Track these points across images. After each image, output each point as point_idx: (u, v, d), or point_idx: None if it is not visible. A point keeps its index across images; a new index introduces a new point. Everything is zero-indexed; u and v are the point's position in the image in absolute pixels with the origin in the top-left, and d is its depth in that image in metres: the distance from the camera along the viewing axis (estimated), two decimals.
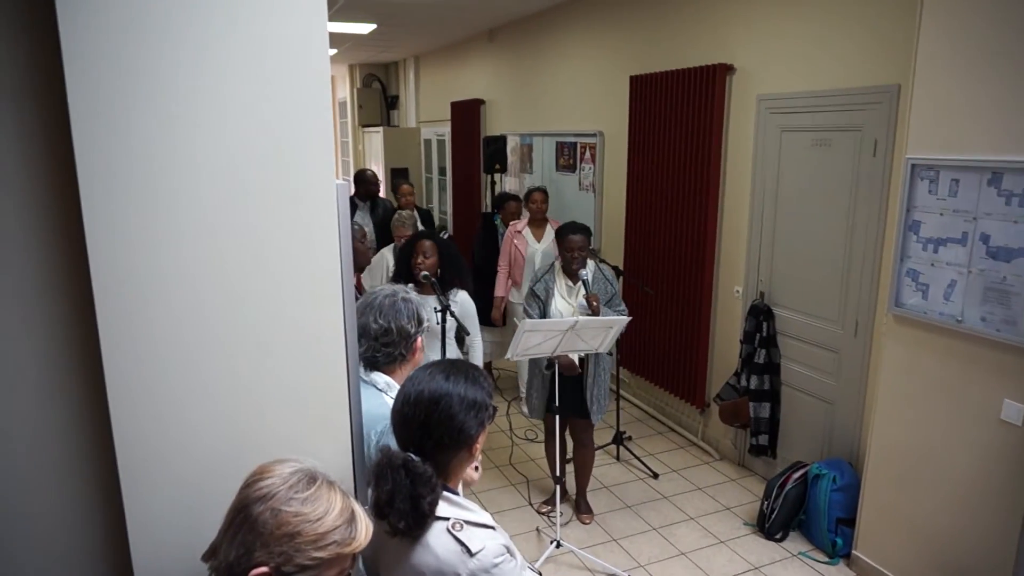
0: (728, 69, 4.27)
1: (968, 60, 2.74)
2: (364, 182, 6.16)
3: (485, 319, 5.61)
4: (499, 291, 5.27)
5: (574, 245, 3.60)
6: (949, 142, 2.84)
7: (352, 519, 1.16)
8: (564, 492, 4.01)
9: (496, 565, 1.34)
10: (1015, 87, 2.59)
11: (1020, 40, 2.57)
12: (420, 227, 5.93)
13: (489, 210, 5.89)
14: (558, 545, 3.56)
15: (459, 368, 1.48)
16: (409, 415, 1.42)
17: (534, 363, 3.76)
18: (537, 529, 3.85)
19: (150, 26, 1.20)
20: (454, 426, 1.40)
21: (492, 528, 1.42)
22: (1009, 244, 2.66)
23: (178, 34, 1.22)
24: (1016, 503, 2.71)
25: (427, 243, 3.57)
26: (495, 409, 1.53)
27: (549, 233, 5.08)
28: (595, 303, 3.51)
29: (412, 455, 1.39)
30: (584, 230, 3.68)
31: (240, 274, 1.32)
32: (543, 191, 5.26)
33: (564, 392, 3.62)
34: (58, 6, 1.13)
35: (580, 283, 3.63)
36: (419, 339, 2.04)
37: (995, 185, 2.69)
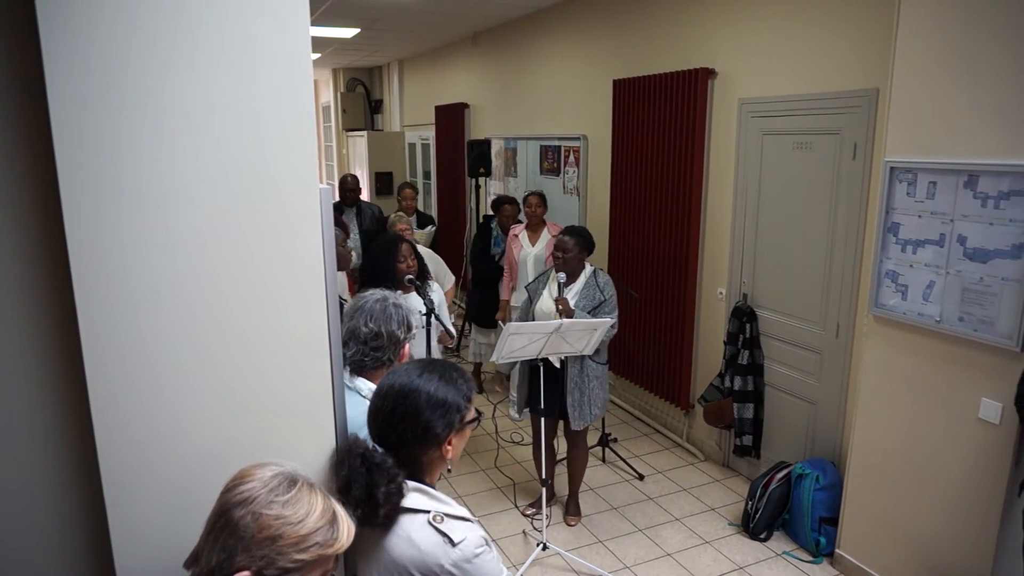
0: (710, 73, 4.30)
1: (944, 65, 2.78)
2: (346, 188, 6.23)
3: (479, 320, 5.64)
4: (503, 295, 5.29)
5: (560, 245, 3.69)
6: (926, 145, 2.89)
7: (334, 520, 1.16)
8: (552, 494, 4.02)
9: (477, 555, 1.37)
10: (990, 91, 2.64)
11: (995, 45, 2.62)
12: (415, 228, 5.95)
13: (489, 213, 5.93)
14: (544, 547, 3.56)
15: (436, 367, 1.49)
16: (377, 407, 1.46)
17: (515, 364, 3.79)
18: (523, 532, 3.86)
19: (132, 30, 1.19)
20: (418, 423, 1.42)
21: (470, 521, 1.44)
22: (985, 245, 2.71)
23: (160, 37, 1.21)
24: (995, 500, 2.75)
25: (405, 246, 3.60)
26: (479, 414, 1.53)
27: (544, 236, 5.10)
28: (560, 306, 3.55)
29: (375, 446, 1.43)
30: (576, 233, 3.74)
31: (223, 278, 1.32)
32: (539, 195, 5.23)
33: (550, 393, 3.64)
34: (38, 8, 1.13)
35: (576, 284, 3.71)
36: (407, 345, 2.05)
37: (971, 187, 2.73)
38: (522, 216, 5.42)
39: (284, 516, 1.11)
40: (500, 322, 5.31)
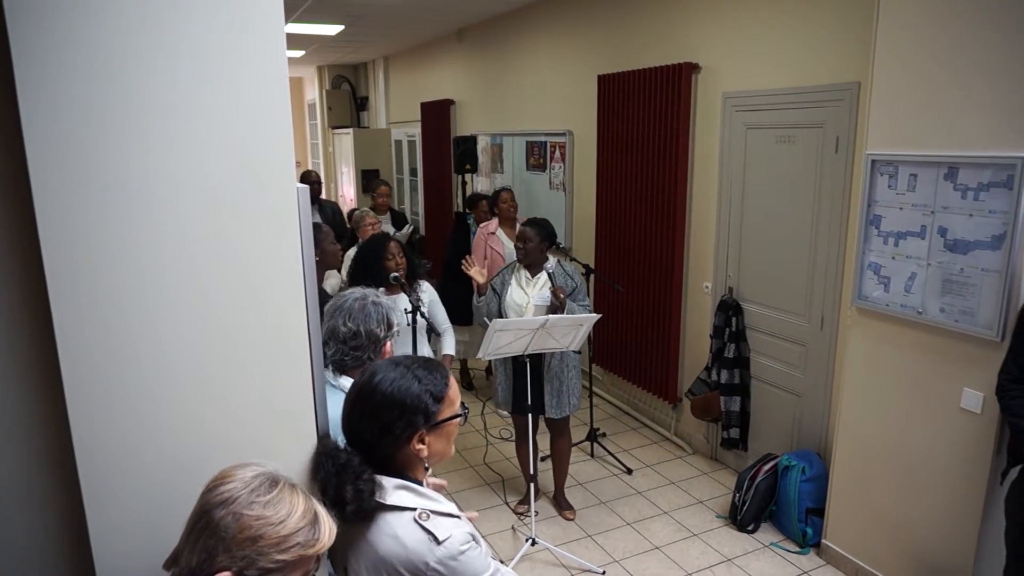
0: (694, 68, 4.31)
1: (924, 58, 2.80)
2: (309, 181, 6.29)
3: (455, 317, 5.62)
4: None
5: (521, 235, 3.73)
6: (907, 138, 2.91)
7: (315, 521, 1.16)
8: (536, 490, 4.02)
9: (463, 552, 1.36)
10: (969, 84, 2.66)
11: (973, 38, 2.63)
12: (391, 227, 5.97)
13: (462, 210, 5.93)
14: (533, 543, 3.57)
15: (403, 366, 1.46)
16: (343, 406, 1.46)
17: (499, 360, 3.77)
18: (512, 527, 3.87)
19: (107, 30, 1.18)
20: (375, 424, 1.41)
21: (457, 517, 1.44)
22: (965, 237, 2.73)
23: (135, 37, 1.21)
24: (977, 489, 2.78)
25: (394, 244, 3.59)
26: (464, 410, 1.51)
27: None
28: (561, 295, 3.57)
29: (343, 445, 1.43)
30: (537, 224, 3.77)
31: (200, 276, 1.31)
32: (511, 191, 5.33)
33: (534, 389, 3.64)
34: (7, 10, 1.12)
35: (543, 275, 3.71)
36: (388, 343, 2.04)
37: (951, 179, 2.76)
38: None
39: (265, 516, 1.11)
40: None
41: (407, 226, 6.28)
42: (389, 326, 2.02)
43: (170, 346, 1.30)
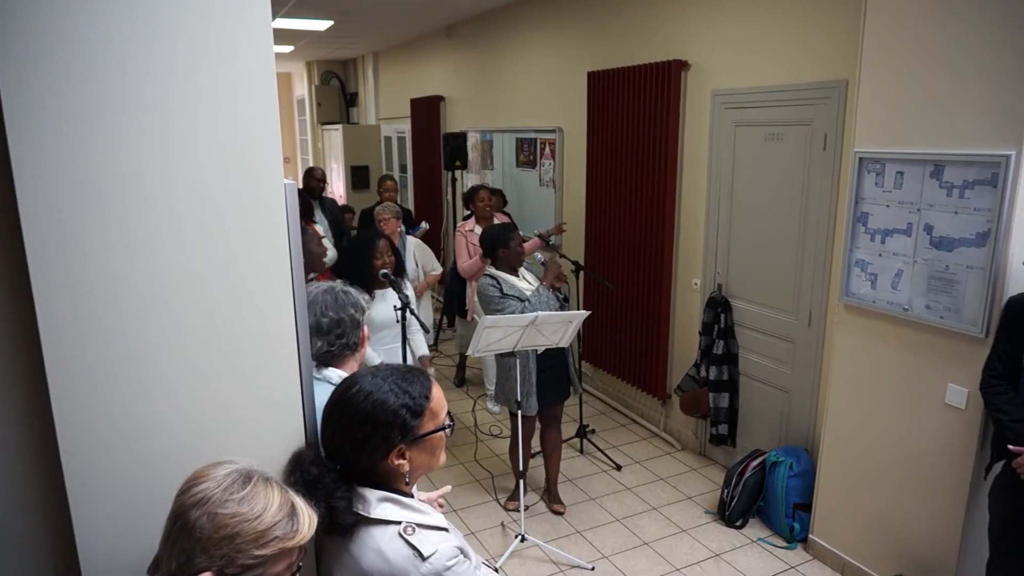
0: (683, 65, 4.32)
1: (910, 57, 2.82)
2: (315, 179, 6.35)
3: (460, 310, 5.62)
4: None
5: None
6: (894, 136, 2.92)
7: (293, 512, 1.15)
8: (526, 486, 4.03)
9: (448, 568, 1.32)
10: (954, 82, 2.68)
11: (960, 38, 2.65)
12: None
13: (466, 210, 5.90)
14: (523, 539, 3.58)
15: (383, 377, 1.41)
16: (322, 417, 1.42)
17: (501, 360, 3.77)
18: (502, 524, 3.87)
19: (90, 24, 1.18)
20: (349, 440, 1.37)
21: (445, 530, 1.40)
22: (951, 234, 2.75)
23: (118, 31, 1.20)
24: (961, 484, 2.81)
25: (384, 242, 3.59)
26: (451, 422, 1.46)
27: None
28: (555, 286, 3.74)
29: (317, 457, 1.38)
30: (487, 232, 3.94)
31: (189, 273, 1.30)
32: (488, 188, 5.35)
33: (545, 381, 3.70)
34: None
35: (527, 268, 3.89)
36: (364, 327, 2.06)
37: (937, 177, 2.78)
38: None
39: (240, 513, 1.10)
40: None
41: (422, 224, 6.20)
42: (363, 310, 2.04)
43: (155, 342, 1.30)
